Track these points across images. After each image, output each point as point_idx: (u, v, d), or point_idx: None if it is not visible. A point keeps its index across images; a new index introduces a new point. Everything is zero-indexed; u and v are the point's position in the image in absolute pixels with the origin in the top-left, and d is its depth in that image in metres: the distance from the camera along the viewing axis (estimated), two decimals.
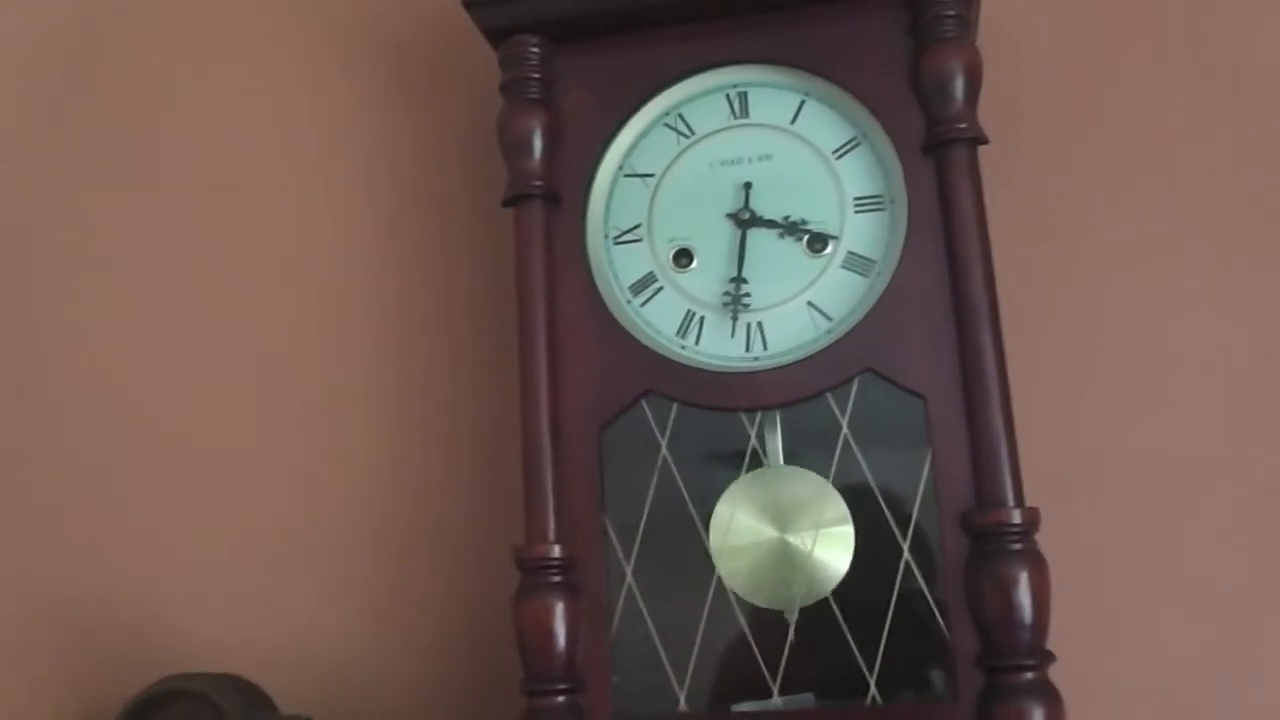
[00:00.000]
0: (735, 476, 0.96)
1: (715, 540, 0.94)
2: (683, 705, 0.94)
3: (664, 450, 0.97)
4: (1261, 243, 1.09)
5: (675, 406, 0.97)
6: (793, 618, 0.94)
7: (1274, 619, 1.02)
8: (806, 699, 0.94)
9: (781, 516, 0.94)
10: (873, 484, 0.94)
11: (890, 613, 0.92)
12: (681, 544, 0.96)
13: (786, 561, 0.93)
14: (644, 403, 0.98)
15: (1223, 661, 1.02)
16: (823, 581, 0.93)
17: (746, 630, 0.94)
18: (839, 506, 0.93)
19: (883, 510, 0.93)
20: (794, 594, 0.93)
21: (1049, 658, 0.87)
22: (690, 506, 0.96)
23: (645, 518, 0.97)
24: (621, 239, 1.02)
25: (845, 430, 0.94)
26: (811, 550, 0.93)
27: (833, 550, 0.93)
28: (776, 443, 0.98)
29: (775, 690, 0.93)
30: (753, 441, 0.96)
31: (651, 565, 0.96)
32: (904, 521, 0.93)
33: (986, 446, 0.90)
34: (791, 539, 0.93)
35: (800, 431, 0.98)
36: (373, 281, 1.23)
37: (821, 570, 0.93)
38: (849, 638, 0.92)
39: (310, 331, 1.24)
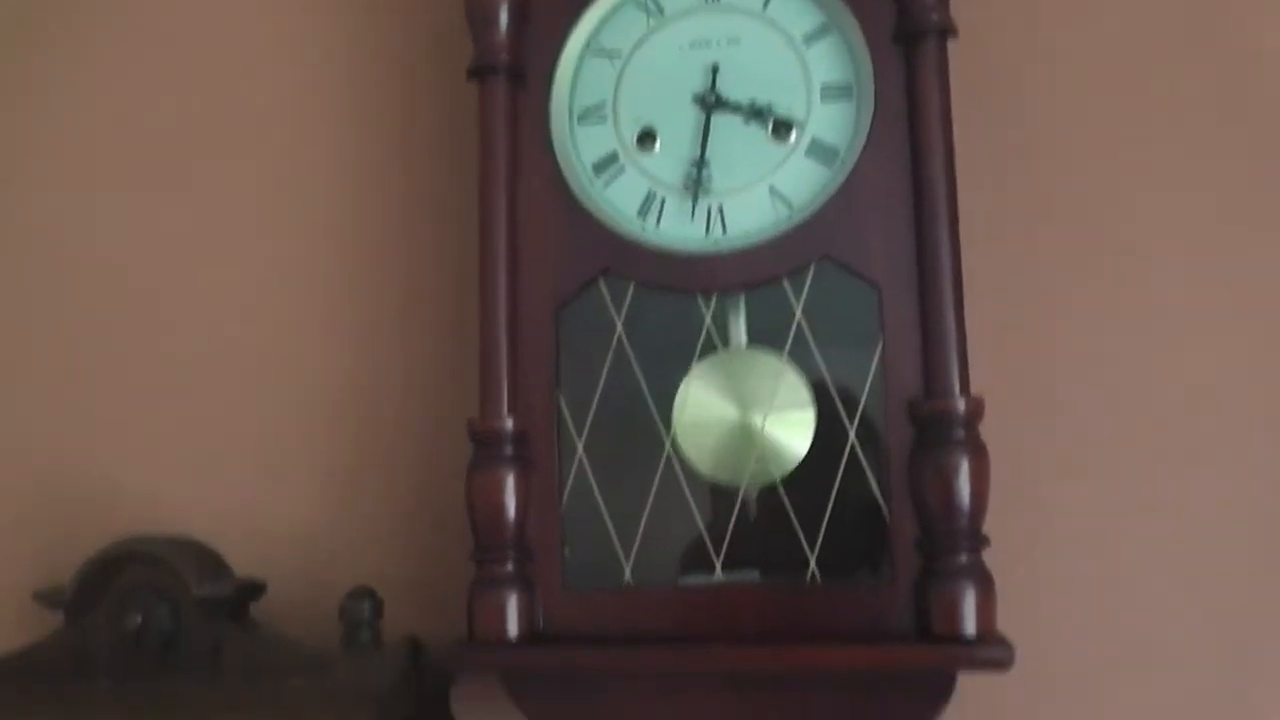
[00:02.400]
0: (691, 359, 0.97)
1: (677, 418, 0.96)
2: (629, 579, 0.96)
3: (619, 330, 0.98)
4: (1219, 133, 1.09)
5: (633, 287, 0.98)
6: (747, 495, 0.96)
7: (1212, 523, 1.06)
8: (750, 575, 0.97)
9: (743, 396, 0.96)
10: (825, 372, 0.95)
11: (834, 497, 0.94)
12: (634, 423, 0.97)
13: (745, 441, 0.95)
14: (602, 283, 0.98)
15: (1156, 556, 1.06)
16: (779, 462, 0.95)
17: (694, 508, 0.96)
18: (801, 390, 0.95)
19: (833, 398, 0.95)
20: (749, 473, 0.95)
21: (984, 542, 0.89)
22: (644, 386, 0.97)
23: (599, 396, 0.98)
24: (586, 118, 1.01)
25: (800, 317, 0.95)
26: (769, 431, 0.94)
27: (792, 433, 0.95)
28: (740, 325, 0.99)
29: (719, 566, 0.95)
30: (708, 324, 0.97)
31: (604, 443, 0.98)
32: (853, 409, 0.95)
33: (936, 338, 0.91)
34: (752, 420, 0.95)
35: (758, 316, 0.99)
36: (334, 155, 1.22)
37: (778, 451, 0.95)
38: (794, 519, 0.94)
39: (271, 206, 1.23)
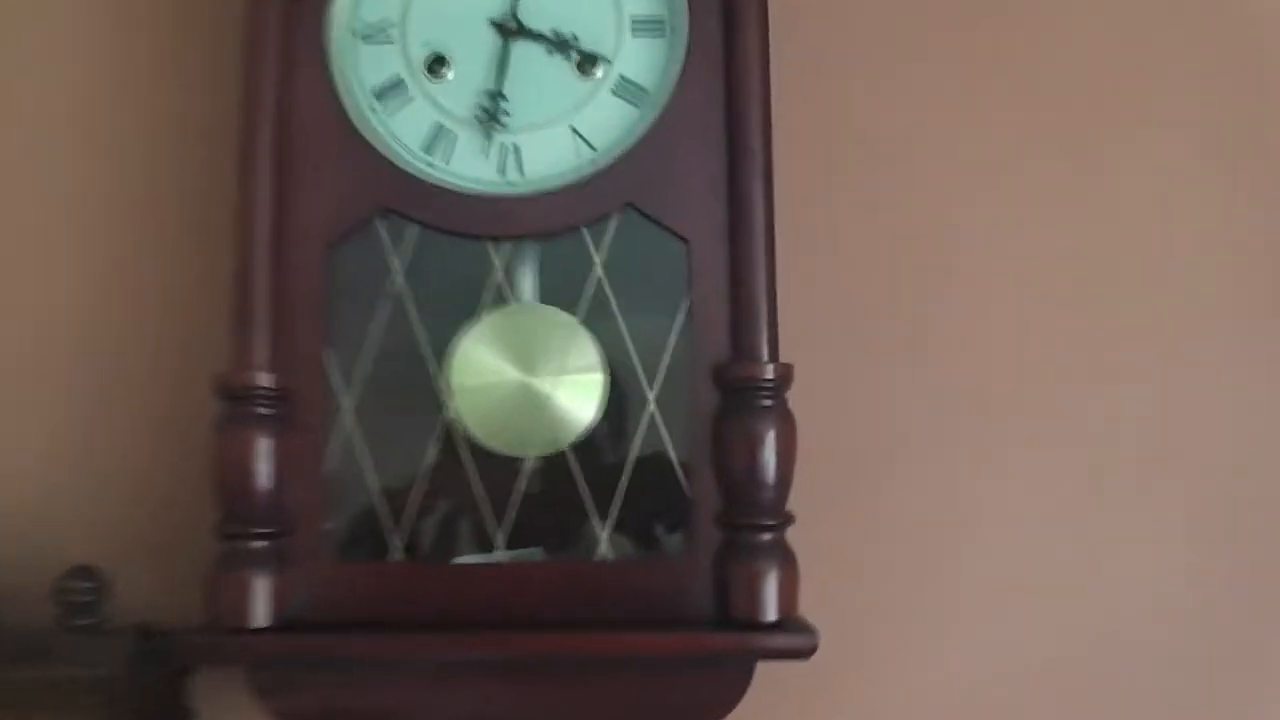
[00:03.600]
0: (478, 311, 0.87)
1: (454, 379, 0.85)
2: (399, 556, 0.86)
3: (400, 277, 0.87)
4: (1036, 71, 1.07)
5: (416, 230, 0.87)
6: (532, 465, 0.87)
7: (1047, 496, 1.03)
8: (533, 553, 0.88)
9: (527, 357, 0.86)
10: (625, 332, 0.87)
11: (630, 466, 0.86)
12: (411, 382, 0.87)
13: (528, 406, 0.86)
14: (380, 224, 0.87)
15: (959, 512, 1.03)
16: (565, 430, 0.86)
17: (474, 478, 0.87)
18: (591, 352, 0.86)
19: (632, 360, 0.87)
20: (533, 441, 0.86)
21: (789, 519, 0.83)
22: (424, 341, 0.86)
23: (374, 351, 0.87)
24: (371, 37, 0.90)
25: (600, 270, 0.87)
26: (556, 396, 0.86)
27: (579, 398, 0.86)
28: (528, 278, 0.90)
29: (500, 543, 0.86)
30: (499, 275, 0.87)
31: (377, 403, 0.87)
32: (654, 372, 0.87)
33: (747, 299, 0.84)
34: (536, 382, 0.86)
35: (552, 269, 0.90)
36: (85, 79, 1.05)
37: (565, 418, 0.86)
38: (584, 491, 0.86)
39: (15, 134, 1.05)
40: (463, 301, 0.88)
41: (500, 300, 0.87)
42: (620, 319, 0.87)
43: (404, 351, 0.87)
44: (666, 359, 0.86)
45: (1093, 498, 1.03)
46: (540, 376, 0.86)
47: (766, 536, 0.82)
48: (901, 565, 1.03)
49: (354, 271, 0.87)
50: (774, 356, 0.84)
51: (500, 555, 0.86)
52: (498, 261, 0.87)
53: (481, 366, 0.86)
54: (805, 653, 0.80)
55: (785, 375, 0.84)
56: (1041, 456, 1.03)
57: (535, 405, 0.85)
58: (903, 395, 1.04)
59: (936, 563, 1.03)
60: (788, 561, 0.83)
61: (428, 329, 0.87)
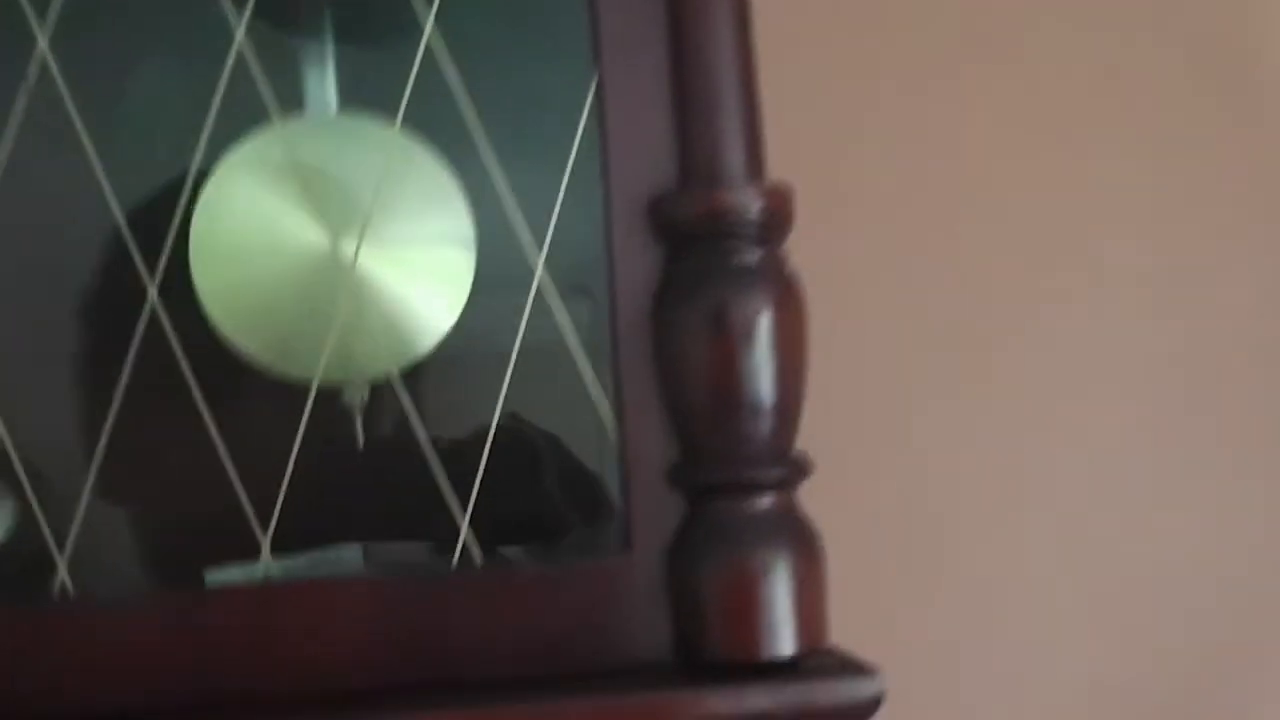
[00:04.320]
0: (224, 135, 0.47)
1: (194, 246, 0.46)
2: (67, 585, 0.45)
3: (43, 47, 0.47)
4: None
5: None
6: (355, 402, 0.49)
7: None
8: (344, 556, 0.49)
9: (329, 208, 0.47)
10: (483, 148, 0.48)
11: (503, 404, 0.48)
12: (99, 260, 0.47)
13: (333, 292, 0.47)
14: None
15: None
16: (399, 341, 0.47)
17: (222, 435, 0.47)
18: (451, 201, 0.48)
19: (504, 205, 0.48)
20: (341, 358, 0.47)
21: (802, 468, 0.46)
22: (106, 186, 0.46)
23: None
24: None
25: (428, 38, 0.48)
26: (384, 279, 0.47)
27: (427, 283, 0.47)
28: (325, 74, 0.51)
29: (267, 550, 0.46)
30: (239, 41, 0.47)
31: (26, 305, 0.47)
32: (541, 228, 0.48)
33: (701, 77, 0.46)
34: (344, 249, 0.47)
35: (353, 63, 0.51)
36: None
37: (399, 320, 0.47)
38: (429, 449, 0.47)
39: None
40: (192, 112, 0.48)
41: (265, 114, 0.48)
42: (482, 138, 0.48)
43: (74, 203, 0.47)
44: (560, 195, 0.48)
45: None
46: (362, 244, 0.47)
47: (764, 501, 0.45)
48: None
49: None
50: (758, 174, 0.46)
51: (281, 566, 0.47)
52: (240, 28, 0.47)
53: (248, 227, 0.47)
54: (862, 712, 0.43)
55: (781, 207, 0.46)
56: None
57: (354, 294, 0.47)
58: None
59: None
60: (804, 546, 0.45)
61: (114, 161, 0.47)
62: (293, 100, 0.50)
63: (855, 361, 0.68)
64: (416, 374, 0.48)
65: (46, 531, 0.44)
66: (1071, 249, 0.73)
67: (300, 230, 0.47)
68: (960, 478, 0.71)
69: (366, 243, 0.47)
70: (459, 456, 0.47)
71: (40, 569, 0.45)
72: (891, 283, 0.70)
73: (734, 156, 0.46)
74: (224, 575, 0.47)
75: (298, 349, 0.47)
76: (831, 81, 0.70)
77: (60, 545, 0.44)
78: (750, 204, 0.45)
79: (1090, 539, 0.72)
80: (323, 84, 0.51)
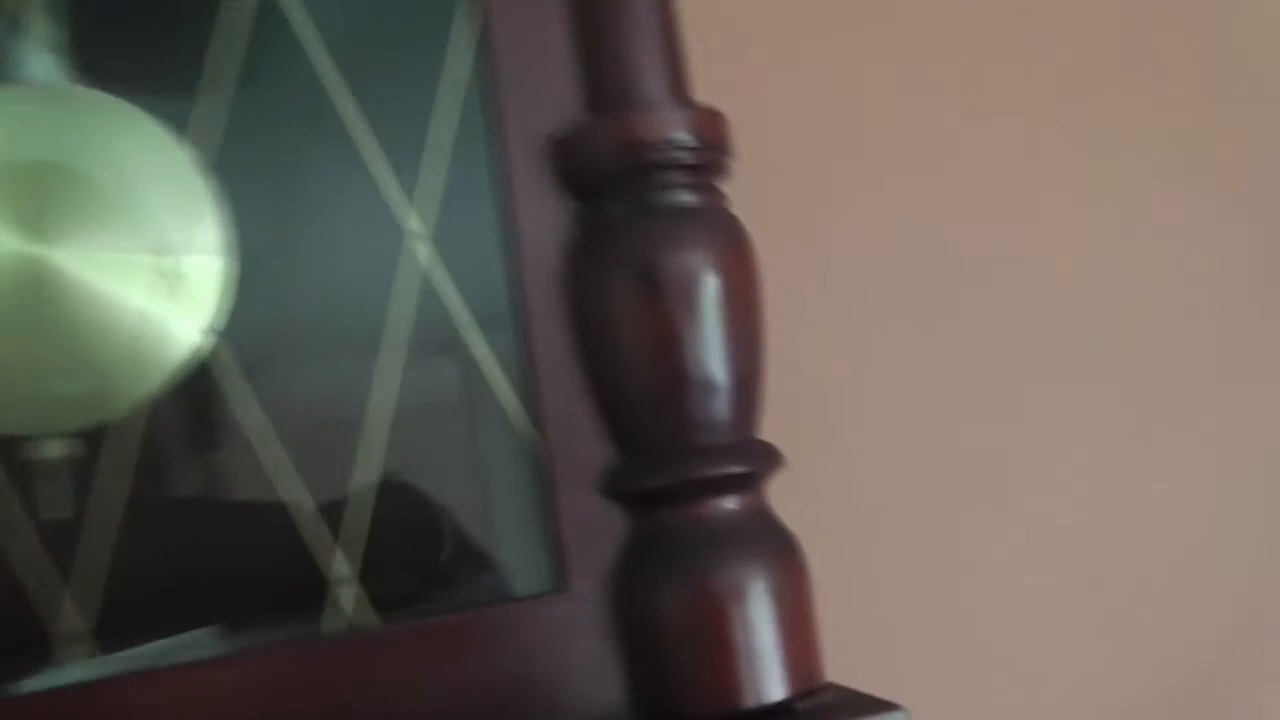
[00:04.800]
0: None
1: None
2: None
3: None
4: None
5: None
6: (57, 457, 0.37)
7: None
8: (190, 642, 0.38)
9: (37, 207, 0.36)
10: (330, 74, 0.38)
11: (393, 391, 0.37)
12: None
13: (46, 315, 0.35)
14: None
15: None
16: (143, 366, 0.36)
17: None
18: (197, 204, 0.37)
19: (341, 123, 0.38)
20: (63, 400, 0.36)
21: (768, 459, 0.36)
22: None
23: None
24: None
25: None
26: (98, 289, 0.36)
27: (179, 294, 0.37)
28: (37, 29, 0.39)
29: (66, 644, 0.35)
30: None
31: None
32: (410, 174, 0.38)
33: None
34: (62, 257, 0.36)
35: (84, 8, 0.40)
36: None
37: (130, 343, 0.36)
38: (275, 473, 0.37)
39: None
40: None
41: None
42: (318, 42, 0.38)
43: None
44: (428, 141, 0.38)
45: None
46: (72, 248, 0.35)
47: (728, 503, 0.35)
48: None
49: None
50: (681, 94, 0.37)
51: (89, 668, 0.36)
52: None
53: None
54: None
55: (714, 134, 0.37)
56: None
57: (61, 314, 0.35)
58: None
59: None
60: (783, 556, 0.35)
61: None
62: None
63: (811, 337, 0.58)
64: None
65: None
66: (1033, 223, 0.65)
67: None
68: (926, 465, 0.62)
69: (75, 249, 0.35)
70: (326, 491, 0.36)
71: None
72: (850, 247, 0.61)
73: (652, 76, 0.36)
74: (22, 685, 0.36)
75: None
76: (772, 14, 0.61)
77: None
78: (676, 128, 0.35)
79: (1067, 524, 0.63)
80: (30, 40, 0.38)
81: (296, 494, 0.36)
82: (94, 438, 0.35)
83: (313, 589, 0.36)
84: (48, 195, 0.35)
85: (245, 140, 0.38)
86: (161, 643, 0.37)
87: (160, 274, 0.35)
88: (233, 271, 0.36)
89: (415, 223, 0.38)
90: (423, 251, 0.38)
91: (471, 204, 0.38)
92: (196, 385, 0.36)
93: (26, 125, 0.36)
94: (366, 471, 0.37)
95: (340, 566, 0.36)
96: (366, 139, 0.38)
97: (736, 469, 0.35)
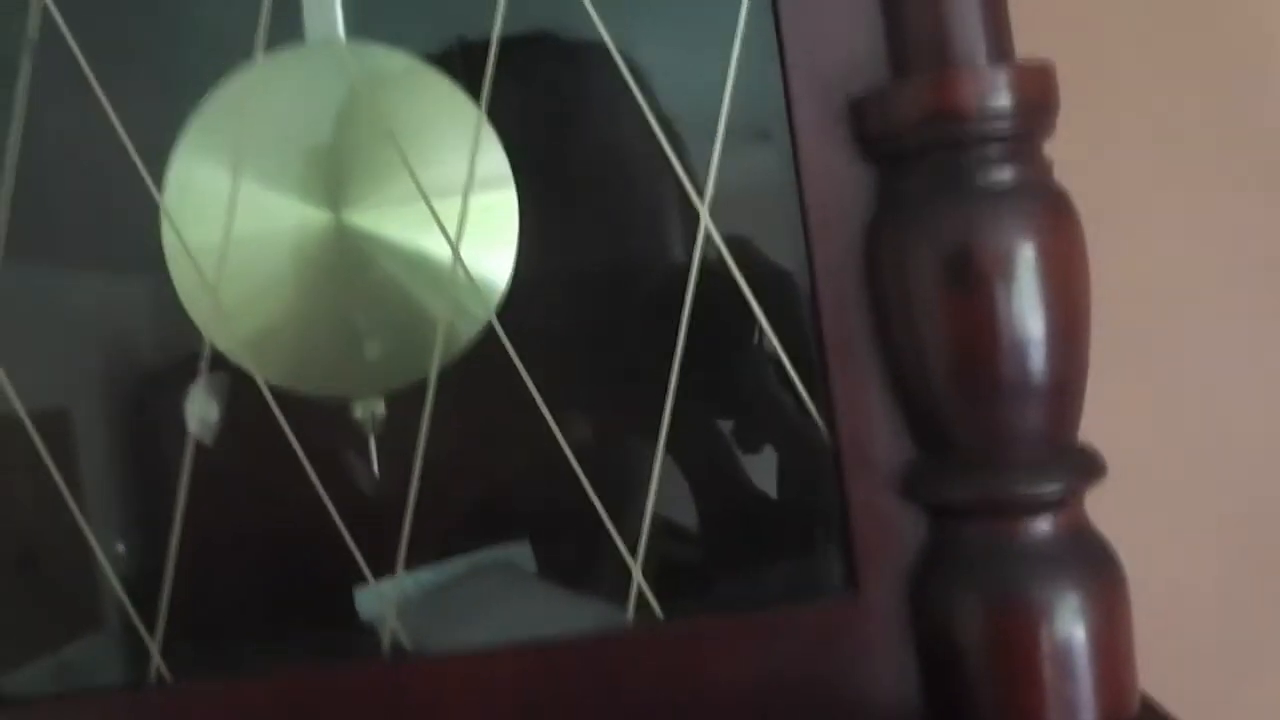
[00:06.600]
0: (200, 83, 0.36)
1: (169, 224, 0.35)
2: (160, 666, 0.36)
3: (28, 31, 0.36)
4: None
5: None
6: (368, 415, 0.37)
7: None
8: (513, 555, 0.39)
9: (337, 168, 0.35)
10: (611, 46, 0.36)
11: (677, 373, 0.36)
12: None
13: (357, 279, 0.35)
14: None
15: None
16: (459, 320, 0.36)
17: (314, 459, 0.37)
18: (486, 144, 0.35)
19: (633, 101, 0.36)
20: (374, 354, 0.36)
21: (1088, 469, 0.32)
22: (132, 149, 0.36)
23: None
24: None
25: None
26: (403, 248, 0.35)
27: (476, 241, 0.35)
28: None
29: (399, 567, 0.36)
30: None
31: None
32: (701, 144, 0.36)
33: None
34: (360, 221, 0.35)
35: None
36: None
37: (457, 291, 0.36)
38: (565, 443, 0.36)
39: None
40: (165, 52, 0.37)
41: (285, 35, 0.36)
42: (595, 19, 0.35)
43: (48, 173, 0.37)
44: (725, 103, 0.35)
45: None
46: (362, 208, 0.35)
47: (1042, 524, 0.32)
48: None
49: None
50: (1005, 55, 0.32)
51: (426, 577, 0.37)
52: None
53: (239, 203, 0.36)
54: None
55: (1041, 97, 0.32)
56: None
57: (372, 278, 0.35)
58: None
59: None
60: (1102, 578, 0.32)
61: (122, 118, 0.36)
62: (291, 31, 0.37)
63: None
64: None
65: (134, 615, 0.35)
66: None
67: (282, 207, 0.35)
68: None
69: (372, 205, 0.35)
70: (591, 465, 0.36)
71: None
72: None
73: (969, 31, 0.32)
74: (369, 596, 0.37)
75: (306, 360, 0.36)
76: None
77: (150, 627, 0.35)
78: (995, 93, 0.31)
79: None
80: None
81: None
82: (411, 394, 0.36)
83: (599, 560, 0.36)
84: (343, 160, 0.35)
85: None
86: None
87: (458, 218, 0.35)
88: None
89: (704, 199, 0.35)
90: (705, 214, 0.35)
91: (759, 176, 0.35)
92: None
93: (314, 93, 0.35)
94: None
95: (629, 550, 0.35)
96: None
97: (1052, 487, 0.31)
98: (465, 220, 0.35)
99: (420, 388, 0.35)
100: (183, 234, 0.35)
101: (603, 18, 0.35)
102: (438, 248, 0.35)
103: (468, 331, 0.35)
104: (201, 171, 0.35)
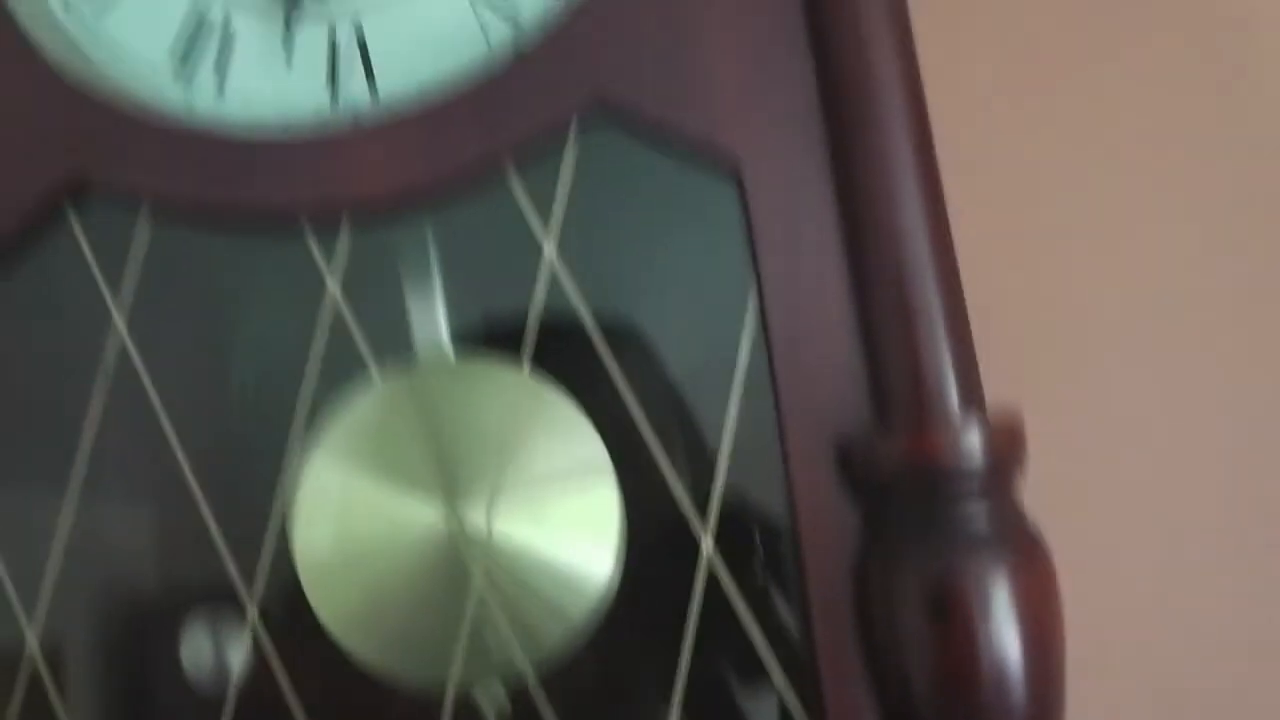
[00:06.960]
0: (301, 402, 0.40)
1: (297, 549, 0.38)
2: None
3: (119, 322, 0.40)
4: None
5: (149, 217, 0.41)
6: (490, 703, 0.39)
7: None
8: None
9: (453, 470, 0.39)
10: (631, 393, 0.39)
11: (682, 680, 0.38)
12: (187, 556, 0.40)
13: (458, 574, 0.38)
14: (73, 212, 0.41)
15: None
16: (557, 612, 0.38)
17: None
18: (585, 436, 0.39)
19: (642, 434, 0.39)
20: (489, 653, 0.39)
21: None
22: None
23: (84, 477, 0.40)
24: None
25: (552, 251, 0.40)
26: (513, 541, 0.38)
27: (573, 538, 0.39)
28: (433, 303, 0.43)
29: None
30: (337, 296, 0.40)
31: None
32: (703, 464, 0.39)
33: (890, 278, 0.37)
34: (476, 518, 0.38)
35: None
36: None
37: (550, 584, 0.38)
38: None
39: None
40: (278, 373, 0.41)
41: (359, 365, 0.40)
42: (616, 367, 0.39)
43: (164, 477, 0.40)
44: (729, 429, 0.38)
45: None
46: (478, 507, 0.38)
47: None
48: None
49: (40, 300, 0.41)
50: (974, 404, 0.36)
51: None
52: (331, 280, 0.40)
53: (358, 512, 0.39)
54: None
55: (1011, 447, 0.35)
56: None
57: (483, 571, 0.38)
58: None
59: None
60: None
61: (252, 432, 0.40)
62: (399, 343, 0.42)
63: None
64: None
65: None
66: None
67: (415, 505, 0.38)
68: None
69: (495, 505, 0.38)
70: None
71: None
72: None
73: (945, 385, 0.36)
74: None
75: (421, 653, 0.38)
76: None
77: None
78: (969, 449, 0.35)
79: None
80: (428, 311, 0.43)
81: None
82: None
83: None
84: (453, 451, 0.38)
85: None
86: None
87: (566, 514, 0.38)
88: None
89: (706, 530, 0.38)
90: (707, 545, 0.38)
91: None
92: None
93: (426, 399, 0.39)
94: None
95: None
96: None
97: None
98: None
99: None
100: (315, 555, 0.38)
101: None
102: (542, 544, 0.38)
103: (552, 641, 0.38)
104: (325, 505, 0.39)
